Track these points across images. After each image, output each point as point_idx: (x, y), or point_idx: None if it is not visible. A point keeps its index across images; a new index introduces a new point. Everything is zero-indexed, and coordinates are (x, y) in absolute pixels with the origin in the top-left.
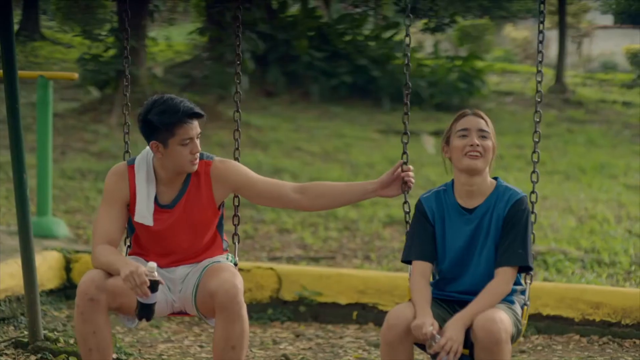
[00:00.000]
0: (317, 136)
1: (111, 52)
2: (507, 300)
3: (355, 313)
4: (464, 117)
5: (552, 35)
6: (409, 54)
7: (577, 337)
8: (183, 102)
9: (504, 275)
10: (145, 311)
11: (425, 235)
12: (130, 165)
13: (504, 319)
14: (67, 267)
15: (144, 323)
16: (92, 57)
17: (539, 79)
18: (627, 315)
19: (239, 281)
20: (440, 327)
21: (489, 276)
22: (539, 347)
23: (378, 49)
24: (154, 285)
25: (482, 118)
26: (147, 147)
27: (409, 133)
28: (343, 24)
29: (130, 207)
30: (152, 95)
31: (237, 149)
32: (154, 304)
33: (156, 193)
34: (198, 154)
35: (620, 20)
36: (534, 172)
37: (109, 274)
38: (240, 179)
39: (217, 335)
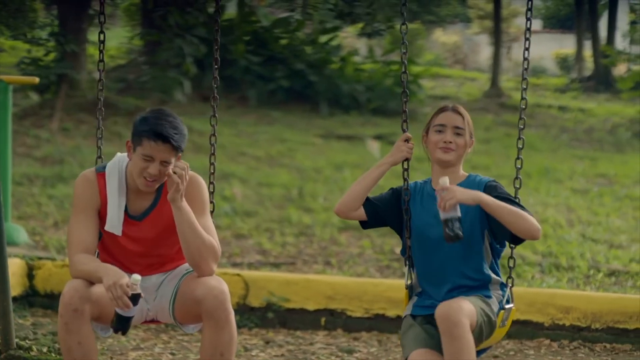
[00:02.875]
0: (259, 141)
1: (51, 56)
2: (484, 294)
3: (323, 319)
4: (442, 112)
5: (482, 40)
6: (406, 62)
7: (547, 341)
8: (163, 122)
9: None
10: (121, 324)
11: (380, 198)
12: (100, 173)
13: (464, 307)
14: (30, 274)
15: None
16: (31, 60)
17: (524, 86)
18: (596, 319)
19: (226, 287)
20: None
21: (461, 267)
22: (512, 352)
23: (315, 54)
24: (135, 299)
25: (460, 114)
26: (118, 155)
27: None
28: (279, 28)
29: (100, 214)
30: (92, 99)
31: (213, 154)
32: (132, 317)
33: (126, 202)
34: (153, 179)
35: (549, 25)
36: (517, 178)
37: (91, 283)
38: (191, 204)
39: (205, 342)
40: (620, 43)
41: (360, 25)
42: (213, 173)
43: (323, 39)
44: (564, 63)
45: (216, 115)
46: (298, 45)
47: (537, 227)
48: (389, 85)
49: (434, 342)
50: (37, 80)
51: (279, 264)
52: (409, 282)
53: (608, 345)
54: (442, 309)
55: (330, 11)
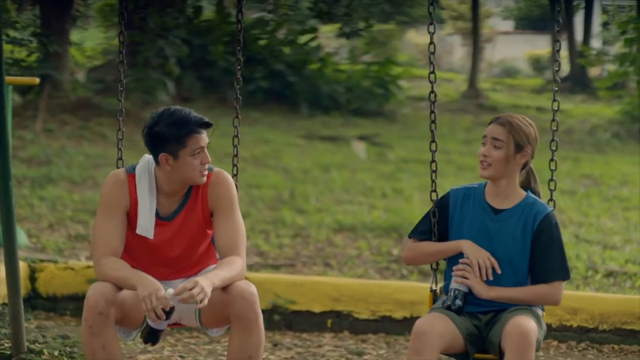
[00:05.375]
0: (243, 142)
1: (34, 56)
2: (530, 306)
3: (329, 321)
4: (490, 124)
5: (455, 41)
6: (434, 62)
7: (555, 342)
8: (191, 112)
9: (558, 287)
10: (152, 336)
11: (427, 220)
12: (130, 174)
13: (534, 327)
14: (32, 277)
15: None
16: (14, 61)
17: (556, 88)
18: (604, 320)
19: (256, 290)
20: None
21: (505, 280)
22: None
23: (294, 54)
24: (168, 312)
25: (502, 125)
26: (146, 157)
27: (436, 141)
28: (257, 28)
29: (129, 216)
30: (75, 99)
31: (236, 155)
32: (163, 330)
33: (157, 205)
34: (207, 166)
35: (521, 26)
36: (551, 180)
37: (116, 286)
38: (220, 203)
39: (233, 344)
40: (594, 44)
41: (337, 25)
42: (236, 175)
43: (302, 39)
44: (537, 64)
45: (239, 116)
46: (277, 46)
47: (554, 301)
48: (368, 86)
49: (458, 321)
50: (37, 80)
51: (278, 266)
52: (434, 286)
53: (616, 347)
54: (516, 326)
55: (310, 10)
